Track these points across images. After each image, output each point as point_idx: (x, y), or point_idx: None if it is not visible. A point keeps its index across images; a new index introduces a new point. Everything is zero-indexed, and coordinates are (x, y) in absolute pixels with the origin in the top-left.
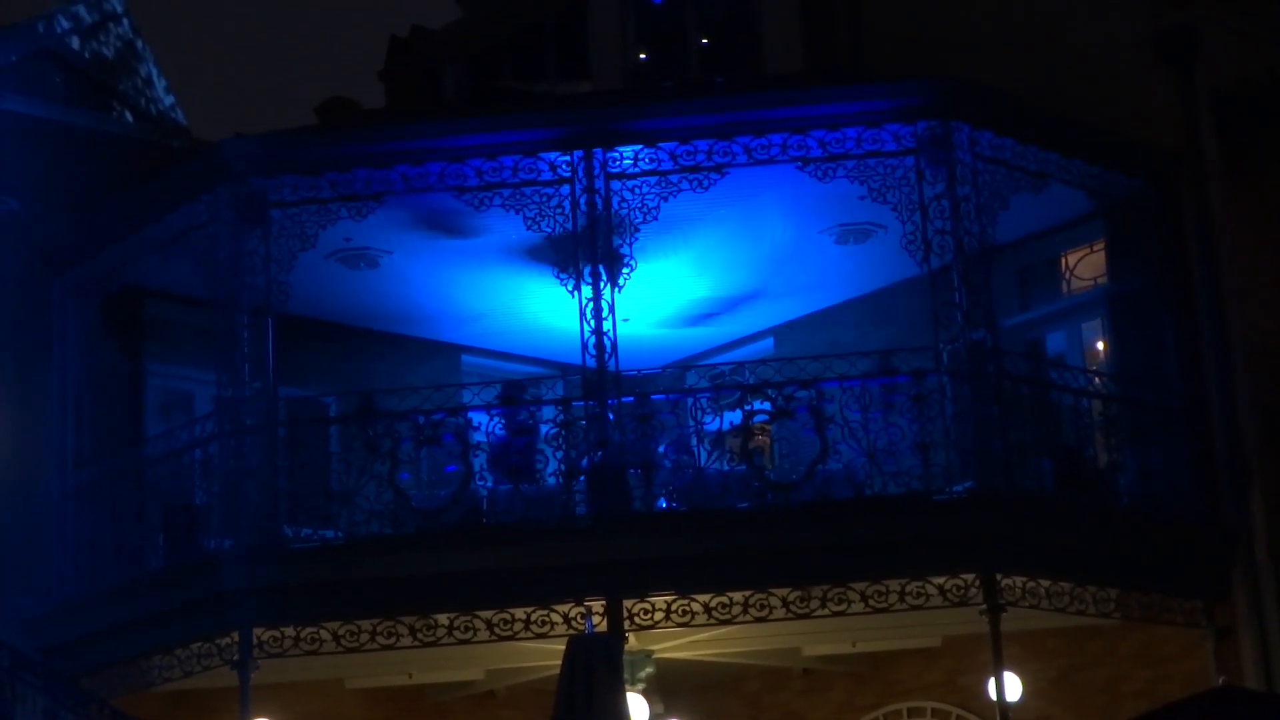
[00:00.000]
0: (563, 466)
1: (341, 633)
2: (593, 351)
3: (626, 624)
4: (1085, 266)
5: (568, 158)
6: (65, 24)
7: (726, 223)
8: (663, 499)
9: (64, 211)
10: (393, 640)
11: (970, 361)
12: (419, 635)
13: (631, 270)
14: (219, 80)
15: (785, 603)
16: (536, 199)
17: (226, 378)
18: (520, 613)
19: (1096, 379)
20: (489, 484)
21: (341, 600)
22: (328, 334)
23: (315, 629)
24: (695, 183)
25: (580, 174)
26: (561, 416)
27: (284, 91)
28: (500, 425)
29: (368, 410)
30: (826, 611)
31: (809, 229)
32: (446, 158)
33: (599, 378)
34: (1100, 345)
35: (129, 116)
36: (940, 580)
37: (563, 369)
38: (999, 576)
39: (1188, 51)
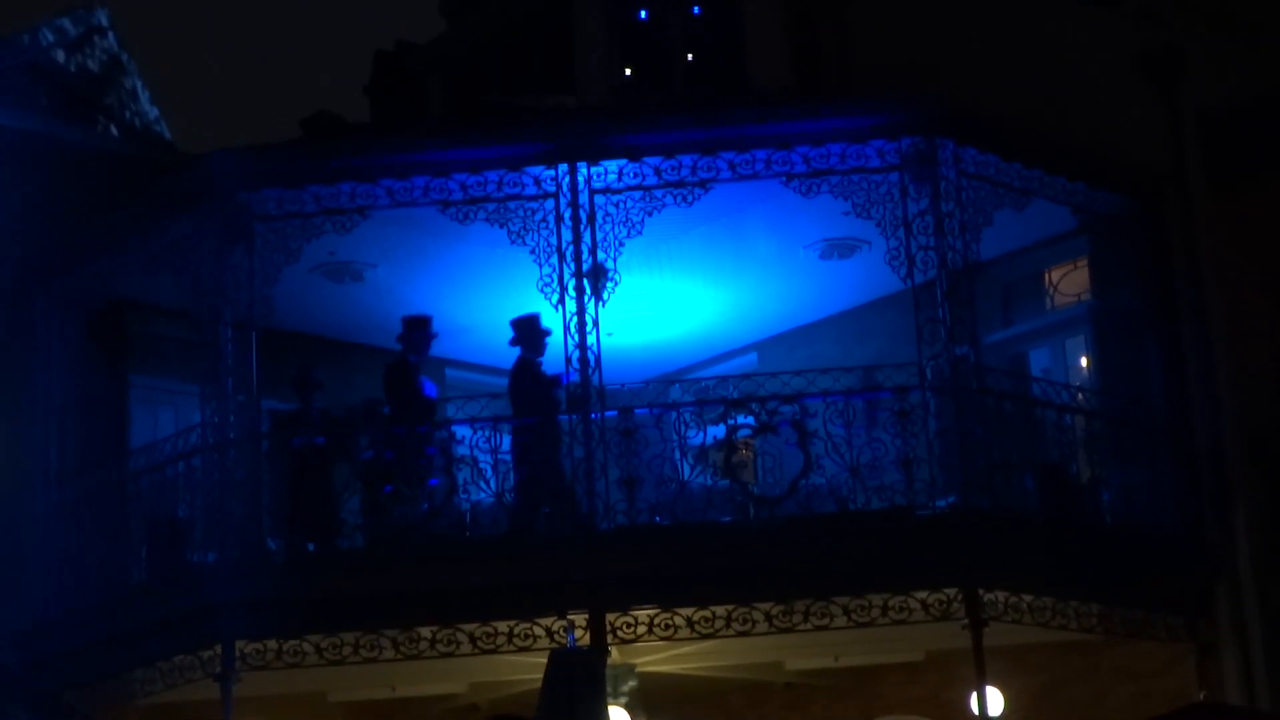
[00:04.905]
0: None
1: (324, 645)
2: (576, 366)
3: (609, 637)
4: (1069, 283)
5: (552, 172)
6: (50, 37)
7: (711, 237)
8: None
9: (47, 225)
10: (375, 653)
11: (954, 377)
12: (401, 648)
13: (615, 285)
14: (204, 94)
15: (768, 617)
16: (521, 213)
17: (210, 391)
18: (503, 626)
19: (1080, 395)
20: (471, 497)
21: (324, 613)
22: (312, 347)
23: (298, 642)
24: (680, 198)
25: (565, 188)
26: None
27: (269, 105)
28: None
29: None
30: (809, 626)
31: (793, 244)
32: (431, 172)
33: (582, 392)
34: (1084, 362)
35: (114, 130)
36: (923, 595)
37: None
38: (981, 591)
39: (1172, 71)
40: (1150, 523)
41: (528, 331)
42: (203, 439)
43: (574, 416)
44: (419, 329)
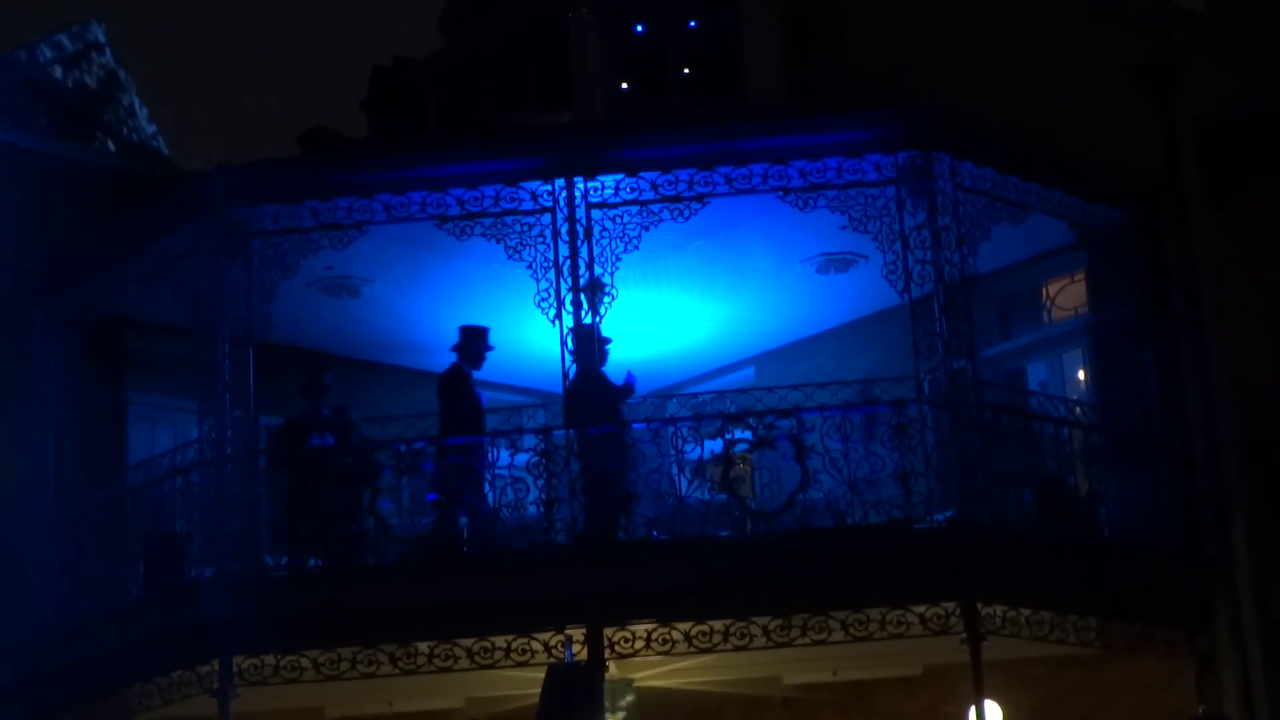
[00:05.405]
0: (543, 495)
1: (322, 661)
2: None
3: (607, 652)
4: (1066, 296)
5: (549, 187)
6: (48, 54)
7: (708, 252)
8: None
9: (46, 241)
10: (373, 668)
11: (951, 391)
12: (399, 663)
13: (613, 299)
14: (201, 110)
15: (766, 631)
16: (518, 228)
17: (208, 406)
18: (500, 641)
19: (1077, 409)
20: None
21: (322, 628)
22: (309, 362)
23: (295, 657)
24: (676, 212)
25: (561, 203)
26: (542, 445)
27: (266, 121)
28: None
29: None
30: (807, 640)
31: (790, 258)
32: (428, 187)
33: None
34: (1081, 375)
35: (111, 146)
36: (921, 609)
37: (545, 397)
38: (979, 605)
39: (1168, 81)
40: (1148, 535)
41: (587, 343)
42: (200, 454)
43: (570, 431)
44: (478, 339)
